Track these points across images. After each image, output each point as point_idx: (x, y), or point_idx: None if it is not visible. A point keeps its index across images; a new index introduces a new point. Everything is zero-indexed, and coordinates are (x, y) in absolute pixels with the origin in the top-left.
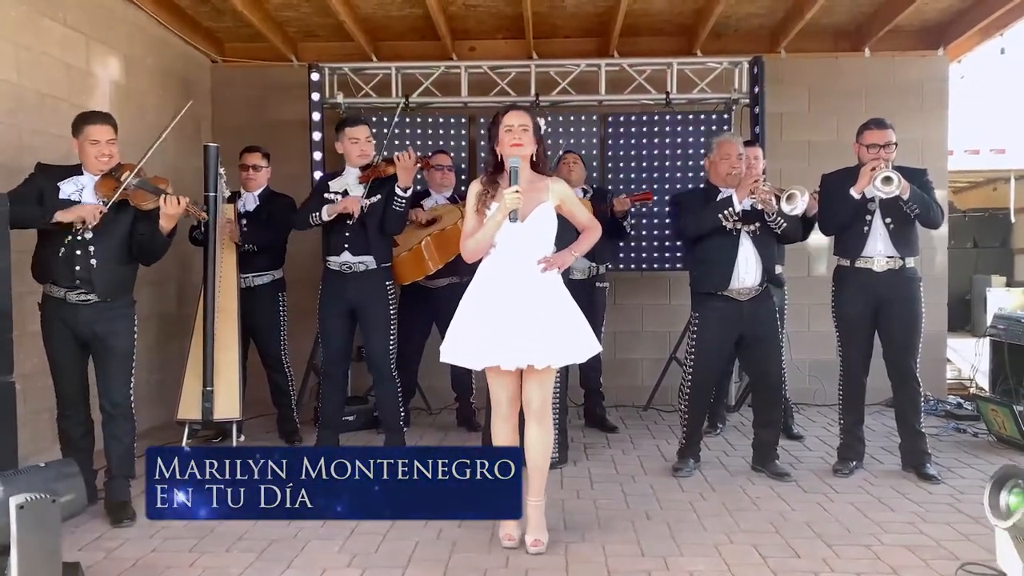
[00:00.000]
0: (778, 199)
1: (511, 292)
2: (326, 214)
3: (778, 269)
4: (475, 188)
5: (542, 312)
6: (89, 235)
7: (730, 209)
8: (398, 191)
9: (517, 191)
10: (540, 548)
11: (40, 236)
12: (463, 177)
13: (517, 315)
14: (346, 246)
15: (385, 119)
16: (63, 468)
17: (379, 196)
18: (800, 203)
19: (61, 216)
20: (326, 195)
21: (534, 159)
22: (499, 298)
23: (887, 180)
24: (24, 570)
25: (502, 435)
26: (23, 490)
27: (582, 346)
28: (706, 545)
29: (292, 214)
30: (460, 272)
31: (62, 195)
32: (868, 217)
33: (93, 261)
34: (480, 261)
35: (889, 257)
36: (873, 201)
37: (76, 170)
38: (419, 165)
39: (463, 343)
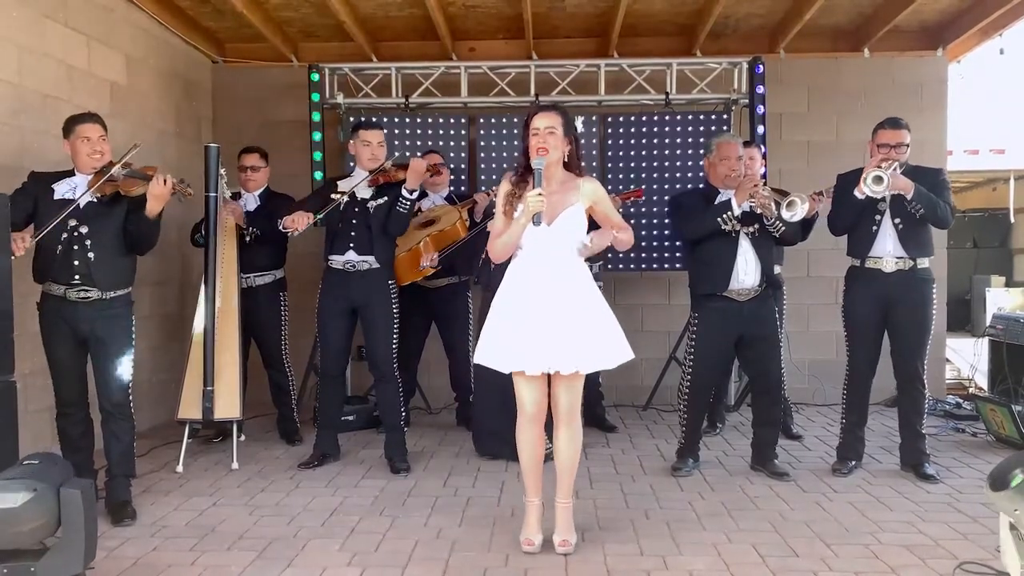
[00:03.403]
0: (777, 205)
1: (539, 295)
2: (281, 227)
3: (776, 269)
4: (504, 188)
5: (570, 316)
6: (84, 229)
7: (728, 213)
8: (404, 193)
9: (540, 194)
10: (568, 548)
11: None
12: (463, 178)
13: (544, 319)
14: (351, 246)
15: (385, 119)
16: (54, 460)
17: (386, 198)
18: (800, 210)
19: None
20: (332, 195)
21: (566, 159)
22: (527, 301)
23: (877, 179)
24: (87, 552)
25: (527, 440)
26: (57, 480)
27: (612, 352)
28: (705, 544)
29: None
30: (459, 272)
31: (56, 196)
32: (877, 217)
33: (91, 255)
34: (507, 263)
35: (899, 257)
36: (883, 201)
37: (69, 173)
38: (429, 172)
39: (494, 346)
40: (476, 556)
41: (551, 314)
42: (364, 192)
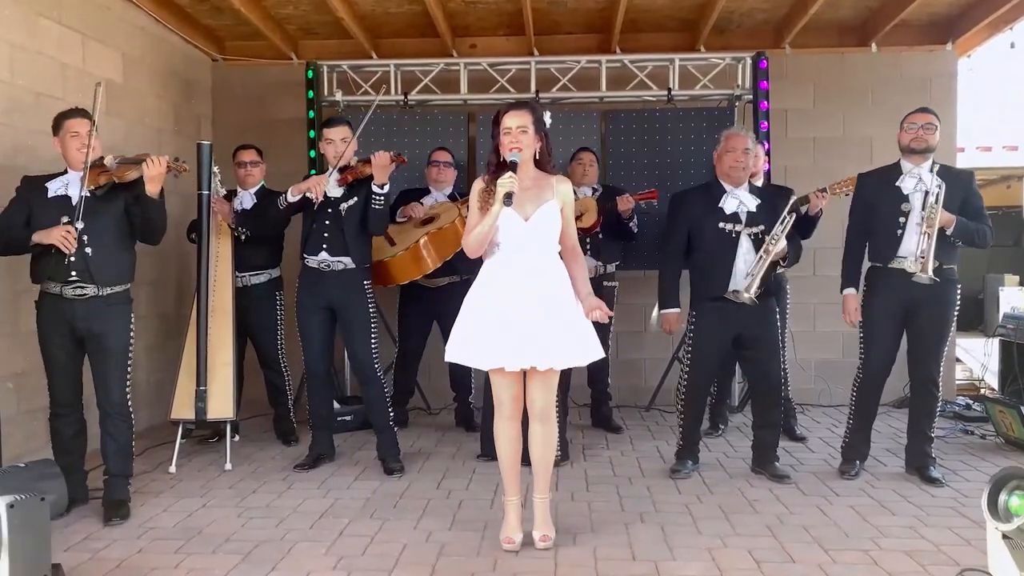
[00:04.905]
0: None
1: (515, 292)
2: (291, 195)
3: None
4: (478, 186)
5: (546, 313)
6: (80, 225)
7: (739, 292)
8: (375, 188)
9: (511, 176)
10: (548, 544)
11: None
12: (463, 175)
13: (521, 316)
14: (324, 246)
15: (383, 117)
16: (45, 468)
17: (357, 199)
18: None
19: (39, 238)
20: (307, 194)
21: (537, 157)
22: (503, 298)
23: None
24: (15, 571)
25: (505, 436)
26: (9, 490)
27: (585, 349)
28: (699, 549)
29: None
30: (460, 271)
31: (50, 194)
32: (901, 219)
33: (88, 250)
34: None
35: (923, 258)
36: (907, 201)
37: (61, 173)
38: (394, 163)
39: (467, 343)
40: (464, 560)
41: (528, 311)
42: (335, 191)
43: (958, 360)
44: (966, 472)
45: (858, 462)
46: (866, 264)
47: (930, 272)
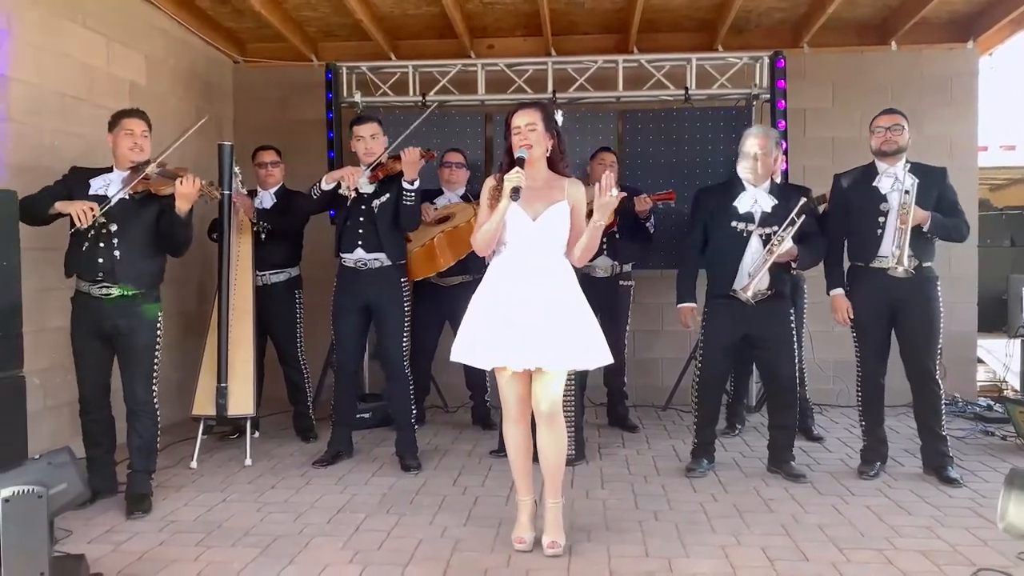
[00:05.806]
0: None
1: (521, 292)
2: (325, 183)
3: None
4: (489, 183)
5: (552, 314)
6: (113, 227)
7: (737, 291)
8: (405, 185)
9: (519, 171)
10: (557, 550)
11: (72, 232)
12: (479, 175)
13: (526, 316)
14: (359, 243)
15: (402, 117)
16: (55, 459)
17: (388, 195)
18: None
19: (60, 207)
20: (339, 191)
21: (549, 156)
22: (509, 298)
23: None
24: (10, 566)
25: (513, 438)
26: (10, 484)
27: (592, 353)
28: (713, 547)
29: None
30: (472, 270)
31: (91, 191)
32: (881, 219)
33: (116, 253)
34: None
35: (898, 251)
36: (886, 201)
37: (108, 170)
38: (424, 159)
39: (472, 342)
40: (478, 556)
41: (534, 311)
42: (366, 188)
43: (980, 361)
44: (985, 473)
45: (878, 463)
46: (846, 263)
47: (906, 264)
